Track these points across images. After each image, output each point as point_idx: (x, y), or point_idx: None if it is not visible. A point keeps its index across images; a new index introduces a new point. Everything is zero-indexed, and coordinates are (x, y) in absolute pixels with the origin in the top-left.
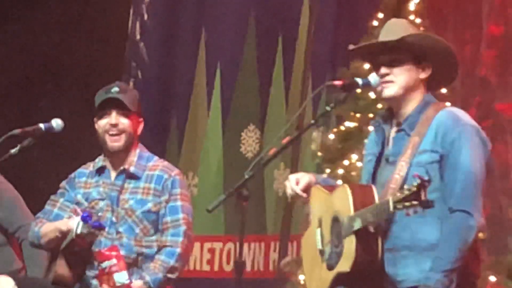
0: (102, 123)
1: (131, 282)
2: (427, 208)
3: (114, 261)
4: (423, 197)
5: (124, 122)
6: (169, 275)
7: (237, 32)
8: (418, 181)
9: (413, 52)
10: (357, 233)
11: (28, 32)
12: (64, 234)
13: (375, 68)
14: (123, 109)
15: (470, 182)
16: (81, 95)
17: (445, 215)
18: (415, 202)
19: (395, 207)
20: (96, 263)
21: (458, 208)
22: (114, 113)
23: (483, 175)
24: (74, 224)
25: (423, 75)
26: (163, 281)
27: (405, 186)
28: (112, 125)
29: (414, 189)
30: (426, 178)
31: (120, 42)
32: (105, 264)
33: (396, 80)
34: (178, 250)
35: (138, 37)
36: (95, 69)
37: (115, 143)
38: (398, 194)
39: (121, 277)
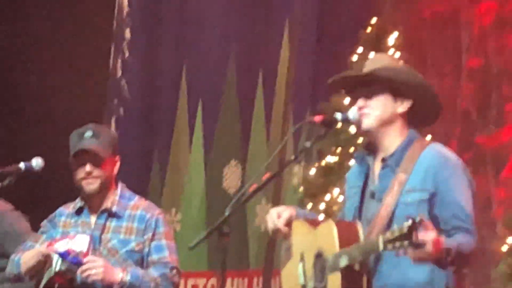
0: (77, 172)
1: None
2: (419, 249)
3: (64, 242)
4: (414, 239)
5: (98, 169)
6: (149, 280)
7: (218, 68)
8: (410, 222)
9: (388, 85)
10: (342, 270)
11: (11, 69)
12: (46, 258)
13: (354, 100)
14: (97, 158)
15: (467, 219)
16: (64, 133)
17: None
18: (406, 243)
19: (385, 247)
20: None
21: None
22: (88, 164)
23: (473, 216)
24: (53, 261)
25: (400, 109)
26: (141, 278)
27: (396, 227)
28: (87, 173)
29: (406, 230)
30: (418, 219)
31: (101, 80)
32: (62, 249)
33: (372, 112)
34: (166, 271)
35: (119, 74)
36: (77, 107)
37: (90, 185)
38: (389, 234)
39: (79, 242)
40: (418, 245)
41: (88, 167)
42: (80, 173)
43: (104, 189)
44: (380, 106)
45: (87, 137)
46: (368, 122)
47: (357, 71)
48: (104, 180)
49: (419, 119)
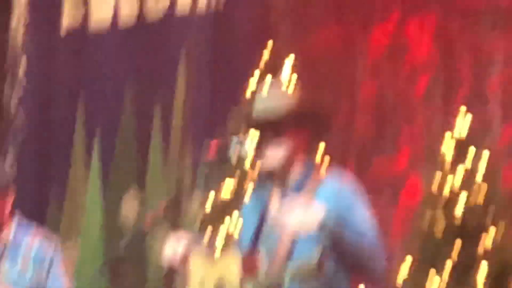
0: None
1: None
2: (326, 283)
3: None
4: (322, 272)
5: None
6: None
7: (114, 99)
8: (318, 255)
9: (287, 123)
10: None
11: None
12: None
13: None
14: None
15: (376, 241)
16: None
17: (336, 281)
18: (313, 276)
19: (292, 280)
20: None
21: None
22: None
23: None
24: None
25: (299, 141)
26: None
27: (304, 259)
28: None
29: (314, 263)
30: (325, 252)
31: None
32: None
33: (272, 154)
34: None
35: (15, 105)
36: None
37: None
38: (296, 267)
39: None
40: (327, 279)
41: None
42: None
43: None
44: (281, 146)
45: None
46: (270, 164)
47: (258, 105)
48: None
49: (312, 143)
